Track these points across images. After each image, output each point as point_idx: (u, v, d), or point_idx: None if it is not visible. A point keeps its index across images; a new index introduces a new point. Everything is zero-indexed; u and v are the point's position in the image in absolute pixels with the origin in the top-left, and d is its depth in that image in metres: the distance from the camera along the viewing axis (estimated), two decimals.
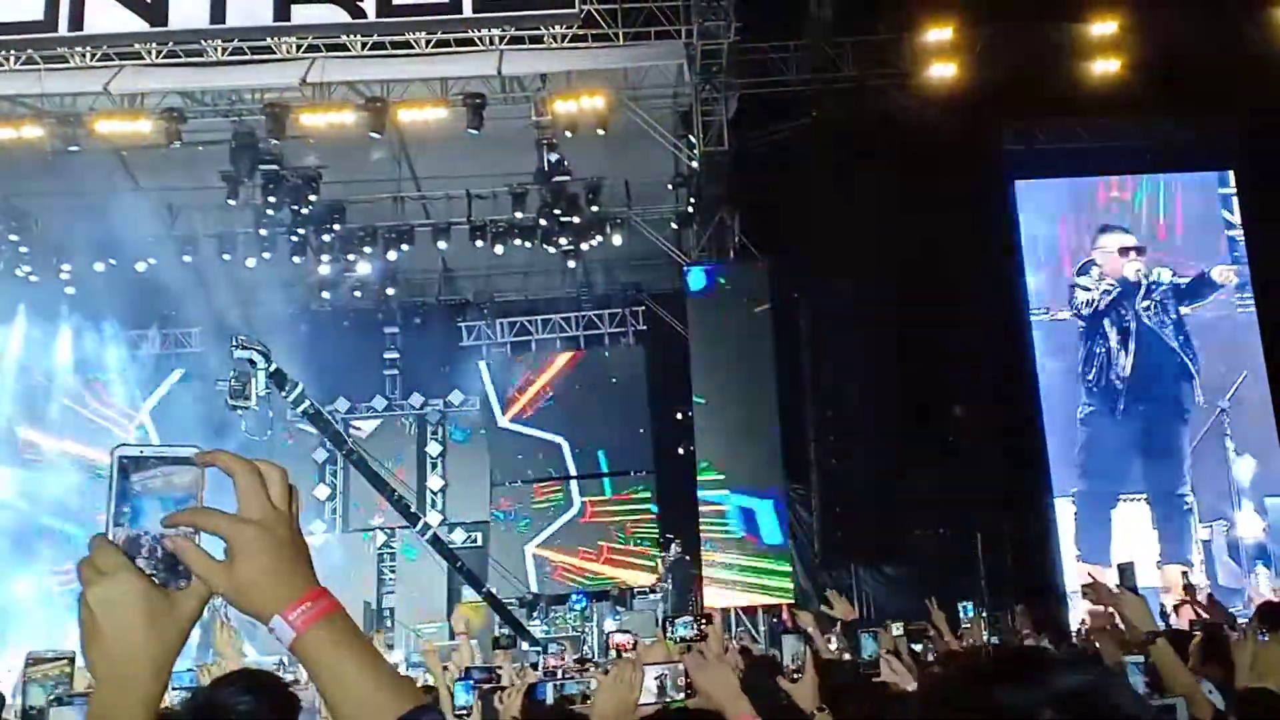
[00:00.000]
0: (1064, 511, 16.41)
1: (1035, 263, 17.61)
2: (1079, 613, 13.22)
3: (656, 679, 3.12)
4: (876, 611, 13.42)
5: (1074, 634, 11.91)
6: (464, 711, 5.15)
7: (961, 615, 8.59)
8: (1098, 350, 17.12)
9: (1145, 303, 17.16)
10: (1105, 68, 15.91)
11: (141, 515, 1.24)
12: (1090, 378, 17.05)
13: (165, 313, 19.17)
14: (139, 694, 1.23)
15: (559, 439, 18.65)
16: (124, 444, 1.27)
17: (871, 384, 16.42)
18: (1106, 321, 17.21)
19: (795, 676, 3.42)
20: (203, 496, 1.27)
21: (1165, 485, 16.60)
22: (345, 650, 1.27)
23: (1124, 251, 17.40)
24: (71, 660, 3.64)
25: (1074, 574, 15.53)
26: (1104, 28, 15.93)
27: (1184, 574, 14.43)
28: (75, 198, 16.83)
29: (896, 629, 8.37)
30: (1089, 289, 17.35)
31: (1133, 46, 15.96)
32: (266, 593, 1.26)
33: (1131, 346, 17.04)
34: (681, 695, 3.09)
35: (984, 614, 13.00)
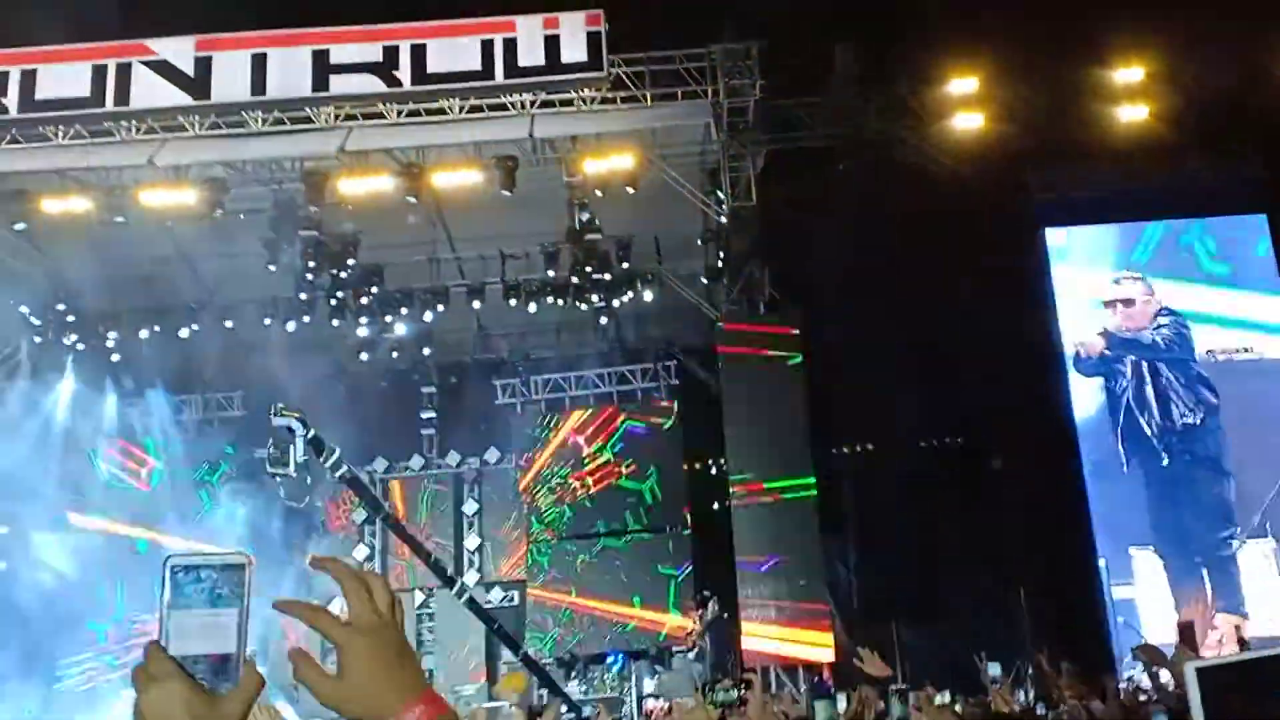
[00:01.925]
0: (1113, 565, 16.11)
1: (1071, 311, 17.50)
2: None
3: None
4: (916, 670, 13.18)
5: (1119, 693, 11.63)
6: None
7: (990, 673, 8.45)
8: (1124, 401, 16.91)
9: (1167, 354, 16.95)
10: (1133, 113, 15.96)
11: (192, 625, 1.30)
12: (1120, 429, 16.82)
13: (208, 378, 19.52)
14: None
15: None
16: (174, 554, 1.33)
17: (906, 437, 16.35)
18: (1131, 372, 16.99)
19: None
20: (249, 604, 1.31)
21: (1205, 536, 16.26)
22: None
23: (1145, 300, 17.23)
24: None
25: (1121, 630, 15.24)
26: (1130, 74, 16.00)
27: (1236, 626, 14.13)
28: (121, 267, 17.29)
29: (941, 697, 8.23)
30: (1109, 339, 17.17)
31: (1160, 91, 16.03)
32: (377, 700, 1.29)
33: (1157, 397, 16.80)
34: None
35: (1027, 671, 12.81)
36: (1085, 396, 17.12)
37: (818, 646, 15.06)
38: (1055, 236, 17.82)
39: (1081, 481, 16.50)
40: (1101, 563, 16.06)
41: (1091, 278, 17.68)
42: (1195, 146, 16.57)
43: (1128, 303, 17.23)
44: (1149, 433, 16.73)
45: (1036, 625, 13.93)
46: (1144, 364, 16.99)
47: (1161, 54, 16.07)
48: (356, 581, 1.34)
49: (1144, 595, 15.98)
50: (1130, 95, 16.04)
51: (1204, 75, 16.15)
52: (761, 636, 15.18)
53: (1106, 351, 17.11)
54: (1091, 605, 15.69)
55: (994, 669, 8.75)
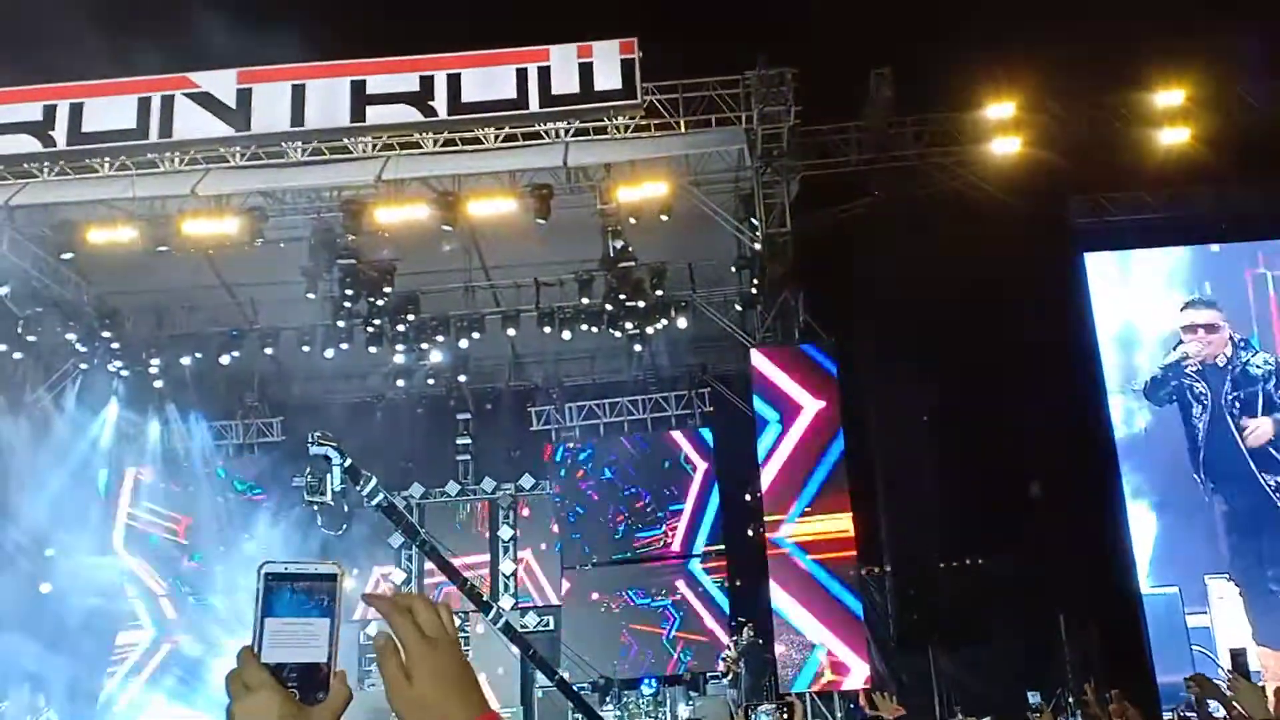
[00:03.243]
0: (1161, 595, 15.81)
1: (1118, 337, 17.23)
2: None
3: None
4: (956, 697, 12.98)
5: None
6: None
7: (1030, 701, 8.33)
8: (1199, 428, 16.59)
9: (1233, 391, 16.60)
10: (1174, 137, 15.77)
11: (285, 633, 1.34)
12: (1196, 457, 16.52)
13: (249, 404, 19.79)
14: None
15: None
16: (270, 561, 1.38)
17: (943, 464, 16.15)
18: (1192, 401, 16.69)
19: None
20: (340, 613, 1.35)
21: (1259, 566, 15.91)
22: None
23: (1211, 329, 16.92)
24: None
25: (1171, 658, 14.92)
26: (1170, 97, 15.81)
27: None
28: (164, 295, 17.62)
29: None
30: (1172, 367, 16.86)
31: (1201, 114, 15.82)
32: (442, 709, 1.33)
33: (1213, 428, 16.47)
34: None
35: (1068, 699, 12.58)
36: (1154, 422, 16.79)
37: (853, 674, 14.90)
38: (1106, 260, 17.56)
39: (1124, 508, 16.21)
40: (1174, 590, 15.77)
41: (1153, 303, 17.35)
42: (1238, 169, 16.29)
43: (1210, 329, 16.91)
44: (1223, 459, 16.38)
45: (1076, 654, 13.67)
46: (1220, 390, 16.65)
47: (1202, 76, 15.87)
48: (425, 602, 1.38)
49: (1220, 623, 15.68)
50: (1171, 118, 15.85)
51: (1246, 96, 15.94)
52: (797, 666, 15.06)
53: (1186, 378, 16.76)
54: (1134, 634, 15.37)
55: (1033, 698, 8.60)
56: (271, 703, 1.30)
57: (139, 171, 15.68)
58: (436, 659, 1.34)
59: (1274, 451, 16.42)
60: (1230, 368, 16.75)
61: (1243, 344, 16.88)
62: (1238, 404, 16.54)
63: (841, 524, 15.27)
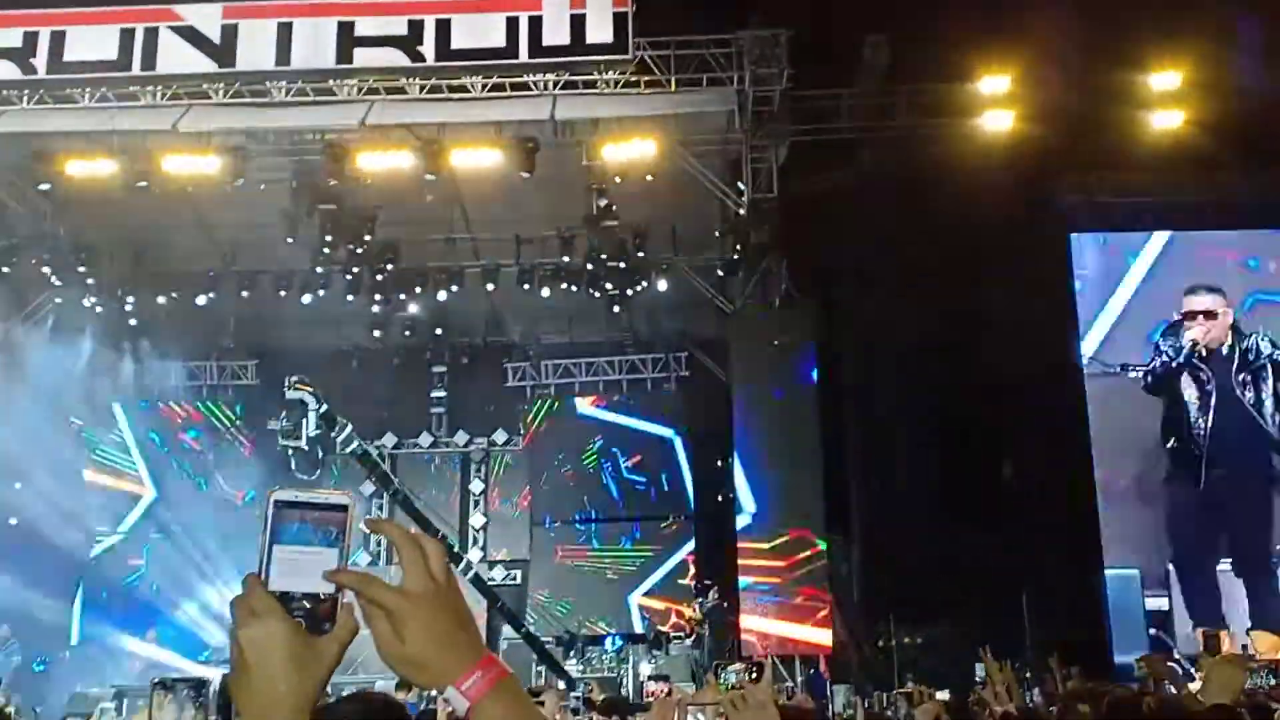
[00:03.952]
0: (1118, 577, 15.89)
1: (1100, 320, 17.17)
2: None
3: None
4: (908, 670, 13.07)
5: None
6: None
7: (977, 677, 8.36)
8: (1175, 414, 16.58)
9: (1242, 374, 16.54)
10: (1168, 119, 15.66)
11: (293, 562, 1.31)
12: (1170, 443, 16.51)
13: (224, 345, 19.66)
14: None
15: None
16: (279, 488, 1.35)
17: (917, 437, 16.16)
18: (1185, 384, 16.63)
19: None
20: (350, 544, 1.32)
21: (1254, 550, 16.00)
22: (516, 716, 1.33)
23: (1210, 315, 16.83)
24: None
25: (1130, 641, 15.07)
26: (1167, 79, 15.68)
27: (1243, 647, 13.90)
28: (141, 232, 17.44)
29: (942, 694, 8.16)
30: (1169, 351, 16.79)
31: (1197, 98, 15.69)
32: (437, 665, 1.31)
33: (1212, 412, 16.44)
34: None
35: (1026, 674, 12.67)
36: (1131, 405, 16.78)
37: (816, 639, 15.04)
38: (1092, 242, 17.48)
39: (1094, 489, 16.27)
40: (1135, 573, 15.84)
41: (1137, 287, 17.27)
42: (1232, 156, 16.19)
43: (1209, 315, 16.84)
44: (1236, 441, 16.35)
45: (1037, 632, 13.76)
46: (1229, 373, 16.62)
47: (1199, 59, 15.72)
48: (413, 547, 1.33)
49: (1179, 607, 15.83)
50: (1165, 101, 15.72)
51: (1242, 82, 15.81)
52: (761, 631, 15.18)
53: (1190, 365, 16.69)
54: (1095, 615, 15.50)
55: (981, 671, 8.62)
56: (278, 631, 1.28)
57: (120, 104, 15.43)
58: (440, 602, 1.31)
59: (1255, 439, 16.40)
60: (1234, 352, 16.69)
61: (1237, 327, 16.83)
62: (1248, 386, 16.49)
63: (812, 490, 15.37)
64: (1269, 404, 16.48)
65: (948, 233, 15.58)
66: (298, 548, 1.30)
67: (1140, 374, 16.72)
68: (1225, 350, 16.71)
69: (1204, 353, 16.64)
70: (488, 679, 1.31)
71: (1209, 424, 16.37)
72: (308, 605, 1.30)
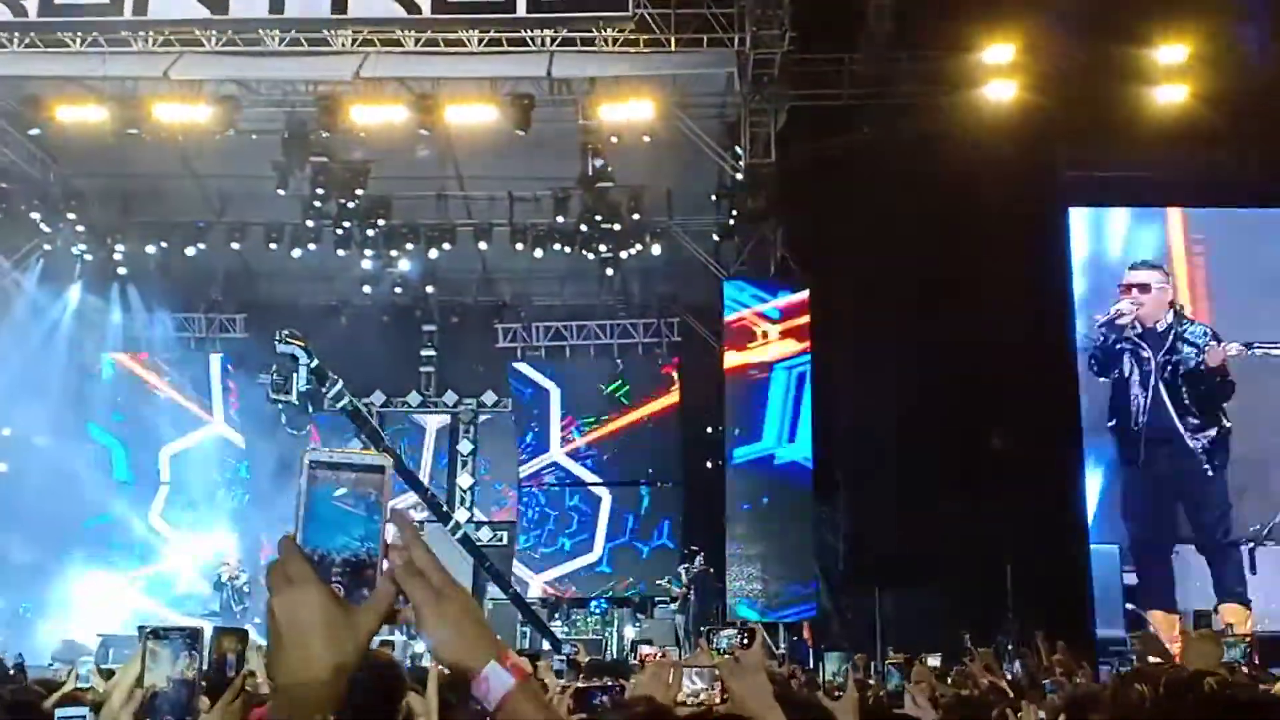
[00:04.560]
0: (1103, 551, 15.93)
1: (1094, 293, 17.10)
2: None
3: (692, 682, 3.11)
4: (893, 639, 13.09)
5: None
6: None
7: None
8: (1119, 393, 16.54)
9: (1168, 354, 16.46)
10: (1172, 95, 15.50)
11: (329, 524, 1.27)
12: (1112, 422, 16.48)
13: (213, 297, 19.52)
14: (313, 700, 1.25)
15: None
16: (314, 448, 1.30)
17: (909, 407, 16.07)
18: (1127, 362, 16.57)
19: (836, 695, 3.40)
20: (387, 507, 1.29)
21: (1204, 531, 16.05)
22: (543, 702, 1.42)
23: (1144, 289, 16.73)
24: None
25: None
26: (1172, 53, 15.50)
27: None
28: (131, 180, 17.25)
29: (933, 660, 8.19)
30: (1109, 328, 16.72)
31: (1201, 74, 15.52)
32: (476, 642, 1.35)
33: (1151, 392, 16.39)
34: (718, 700, 3.05)
35: (1009, 646, 12.70)
36: (1101, 384, 16.76)
37: (801, 605, 15.08)
38: (1090, 216, 17.35)
39: (1082, 468, 16.26)
40: (1114, 549, 15.89)
41: (1121, 260, 17.20)
42: (1235, 134, 16.02)
43: (1143, 289, 16.75)
44: (1144, 426, 16.37)
45: (1020, 604, 13.78)
46: (1153, 355, 16.56)
47: (1206, 34, 15.53)
48: (412, 578, 1.32)
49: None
50: (1170, 76, 15.55)
51: (1249, 60, 15.63)
52: (748, 597, 15.21)
53: (1125, 340, 16.63)
54: (1077, 590, 15.54)
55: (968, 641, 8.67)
56: (315, 598, 1.24)
57: (111, 50, 15.18)
58: (445, 610, 1.34)
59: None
60: (1168, 333, 16.63)
61: (1180, 309, 16.72)
62: (1168, 370, 16.46)
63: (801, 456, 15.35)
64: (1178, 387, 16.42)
65: (946, 203, 15.43)
66: (334, 511, 1.27)
67: (1089, 353, 16.67)
68: (1162, 329, 16.60)
69: (1138, 328, 16.55)
70: (519, 672, 1.35)
71: (1148, 401, 16.32)
72: (346, 570, 1.26)
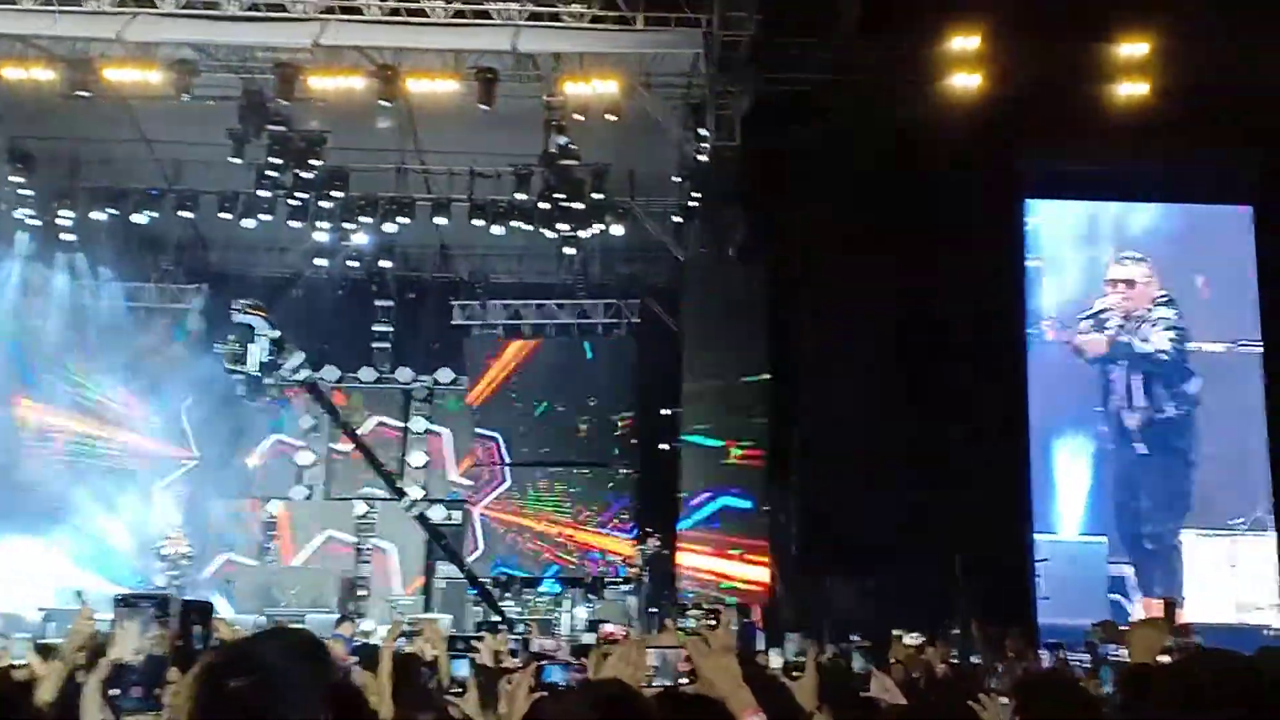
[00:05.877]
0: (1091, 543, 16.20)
1: (1052, 285, 17.28)
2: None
3: (657, 663, 3.09)
4: (843, 625, 13.18)
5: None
6: (460, 689, 4.93)
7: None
8: (1104, 386, 16.78)
9: (1147, 345, 16.73)
10: (1133, 91, 15.63)
11: None
12: (1100, 414, 16.73)
13: (163, 267, 19.10)
14: None
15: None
16: None
17: (865, 395, 16.13)
18: (1115, 357, 16.82)
19: (795, 675, 3.49)
20: None
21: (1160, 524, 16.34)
22: None
23: (1130, 284, 16.99)
24: None
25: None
26: (1134, 49, 15.63)
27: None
28: (80, 144, 16.80)
29: (912, 638, 8.26)
30: (1095, 321, 16.95)
31: (1163, 71, 15.66)
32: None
33: (1138, 385, 16.65)
34: (685, 680, 3.03)
35: (951, 633, 12.87)
36: (1070, 378, 16.91)
37: (752, 583, 15.14)
38: (1043, 207, 17.52)
39: (1028, 458, 16.48)
40: (1103, 540, 16.24)
41: (1083, 253, 17.34)
42: (1192, 131, 16.20)
43: (1129, 284, 16.96)
44: (1126, 419, 16.62)
45: (968, 593, 13.92)
46: (1135, 349, 16.79)
47: (1169, 32, 15.67)
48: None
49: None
50: (1131, 72, 15.68)
51: (1209, 59, 15.78)
52: (700, 579, 15.26)
53: (1105, 334, 16.83)
54: (1021, 579, 15.78)
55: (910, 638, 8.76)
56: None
57: (62, 8, 14.71)
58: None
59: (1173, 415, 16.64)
60: (1143, 325, 16.88)
61: (1165, 302, 16.98)
62: (1146, 361, 16.74)
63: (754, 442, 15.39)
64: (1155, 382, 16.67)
65: (908, 189, 15.49)
66: None
67: (1075, 344, 16.89)
68: (1143, 320, 16.87)
69: (1121, 322, 16.79)
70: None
71: (1130, 393, 16.58)
72: None
